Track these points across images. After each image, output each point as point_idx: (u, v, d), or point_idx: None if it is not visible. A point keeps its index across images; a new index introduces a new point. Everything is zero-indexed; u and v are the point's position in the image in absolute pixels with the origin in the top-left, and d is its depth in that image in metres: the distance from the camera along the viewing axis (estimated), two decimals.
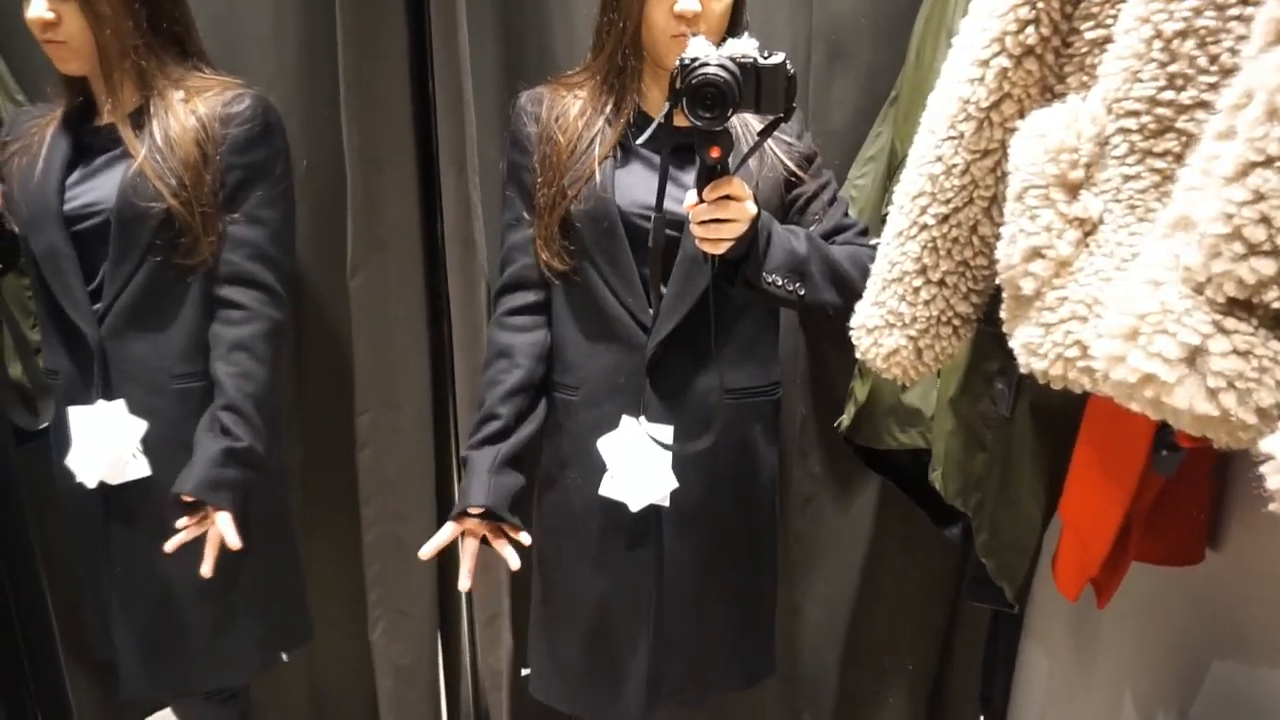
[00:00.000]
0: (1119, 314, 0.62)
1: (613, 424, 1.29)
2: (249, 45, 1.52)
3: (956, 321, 1.00)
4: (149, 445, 1.33)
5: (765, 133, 1.12)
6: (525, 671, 1.75)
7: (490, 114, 1.48)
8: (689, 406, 1.28)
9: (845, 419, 1.54)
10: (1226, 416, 0.57)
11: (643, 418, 1.27)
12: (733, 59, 1.00)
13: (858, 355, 1.08)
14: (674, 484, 1.28)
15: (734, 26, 1.23)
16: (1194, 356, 0.58)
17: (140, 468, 1.33)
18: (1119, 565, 1.01)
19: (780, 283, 1.18)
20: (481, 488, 1.23)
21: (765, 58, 1.01)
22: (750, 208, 1.10)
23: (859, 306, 1.08)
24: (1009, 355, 1.05)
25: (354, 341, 1.58)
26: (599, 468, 1.30)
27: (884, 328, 1.03)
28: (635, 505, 1.28)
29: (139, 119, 1.30)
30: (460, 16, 1.42)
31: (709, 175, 1.07)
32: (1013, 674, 1.54)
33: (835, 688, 1.86)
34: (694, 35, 1.07)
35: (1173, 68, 0.69)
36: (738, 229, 1.10)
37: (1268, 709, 0.98)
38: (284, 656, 1.53)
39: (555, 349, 1.34)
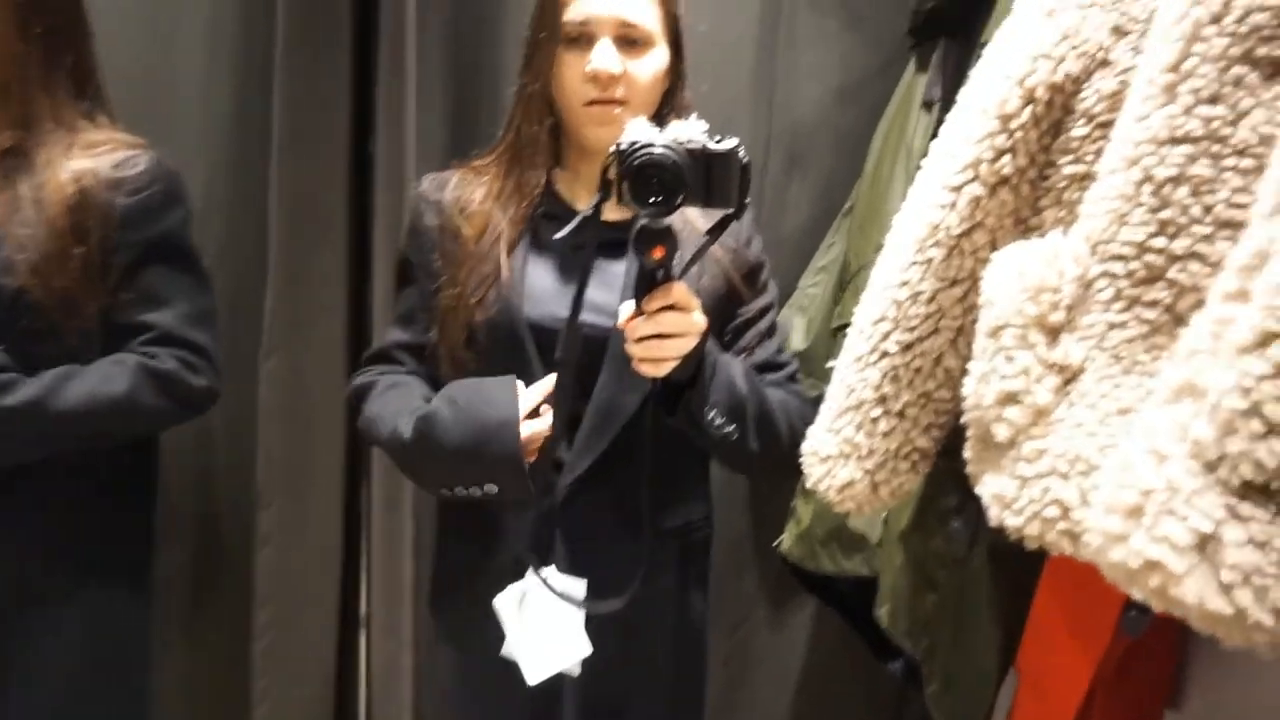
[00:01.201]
0: (1119, 486, 0.55)
1: (516, 576, 1.06)
2: (177, 104, 1.43)
3: (915, 456, 0.93)
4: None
5: (715, 231, 0.95)
6: None
7: None
8: (608, 555, 1.06)
9: (786, 539, 1.46)
10: (1242, 616, 0.50)
11: (552, 569, 1.05)
12: (678, 142, 0.87)
13: (808, 485, 1.00)
14: (586, 649, 1.04)
15: (674, 108, 1.09)
16: (1205, 544, 0.51)
17: None
18: None
19: (718, 422, 1.00)
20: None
21: (716, 143, 0.88)
22: (698, 320, 0.94)
23: (812, 431, 1.00)
24: (967, 493, 0.99)
25: (261, 429, 1.45)
26: (497, 624, 1.07)
27: (838, 458, 0.96)
28: (535, 677, 1.03)
29: (9, 162, 1.08)
30: (409, 86, 1.35)
31: (649, 281, 0.90)
32: None
33: None
34: (619, 108, 0.98)
35: (1164, 214, 0.64)
36: (684, 346, 0.93)
37: None
38: None
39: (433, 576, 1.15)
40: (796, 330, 1.47)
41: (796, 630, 1.66)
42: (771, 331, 1.16)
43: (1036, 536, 0.69)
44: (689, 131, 0.88)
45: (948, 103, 1.26)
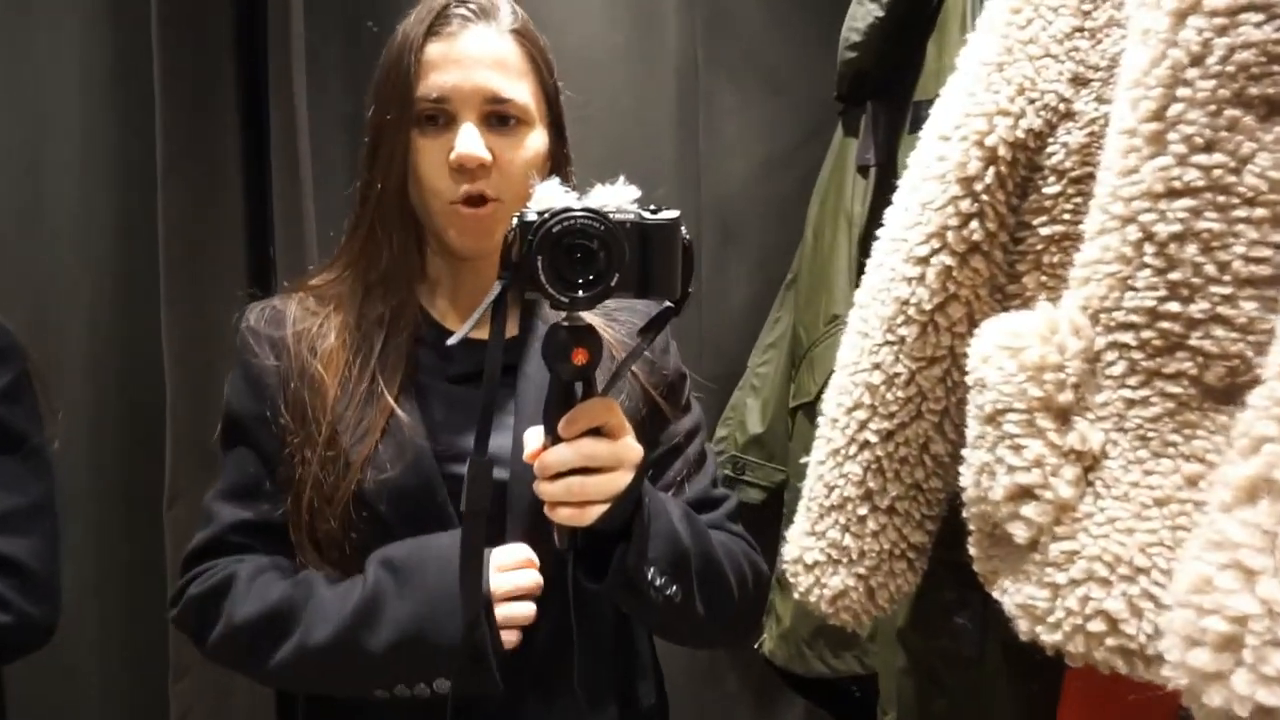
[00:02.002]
0: (1200, 611, 0.46)
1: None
2: (53, 235, 1.33)
3: (912, 554, 0.84)
4: None
5: (652, 328, 0.77)
6: None
7: None
8: None
9: (767, 640, 1.34)
10: None
11: None
12: (602, 211, 0.67)
13: (796, 595, 0.90)
14: None
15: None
16: None
17: None
18: None
19: (659, 582, 0.75)
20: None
21: (652, 213, 0.69)
22: (633, 448, 0.73)
23: (792, 535, 0.90)
24: (967, 585, 0.89)
25: (169, 587, 1.28)
26: None
27: (826, 564, 0.86)
28: None
29: None
30: (306, 203, 1.25)
31: (565, 397, 0.70)
32: None
33: None
34: (490, 205, 0.78)
35: (1174, 275, 0.57)
36: (614, 483, 0.70)
37: None
38: None
39: (309, 699, 0.87)
40: (751, 413, 1.39)
41: None
42: (702, 460, 0.92)
43: (1081, 654, 0.60)
44: (616, 198, 0.70)
45: (884, 166, 1.22)
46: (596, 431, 0.70)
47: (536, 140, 0.84)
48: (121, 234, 1.36)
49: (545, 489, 0.70)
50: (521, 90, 0.82)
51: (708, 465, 0.93)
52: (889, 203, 0.84)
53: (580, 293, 0.66)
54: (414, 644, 0.74)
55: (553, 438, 0.70)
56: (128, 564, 1.36)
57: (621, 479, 0.71)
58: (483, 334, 0.72)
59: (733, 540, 0.89)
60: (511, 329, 0.84)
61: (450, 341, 0.70)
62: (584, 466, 0.69)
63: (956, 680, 0.96)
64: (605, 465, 0.70)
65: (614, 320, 0.89)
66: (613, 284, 0.66)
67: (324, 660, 0.77)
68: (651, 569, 0.75)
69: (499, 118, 0.81)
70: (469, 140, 0.79)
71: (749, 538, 0.91)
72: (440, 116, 0.81)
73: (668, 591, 0.76)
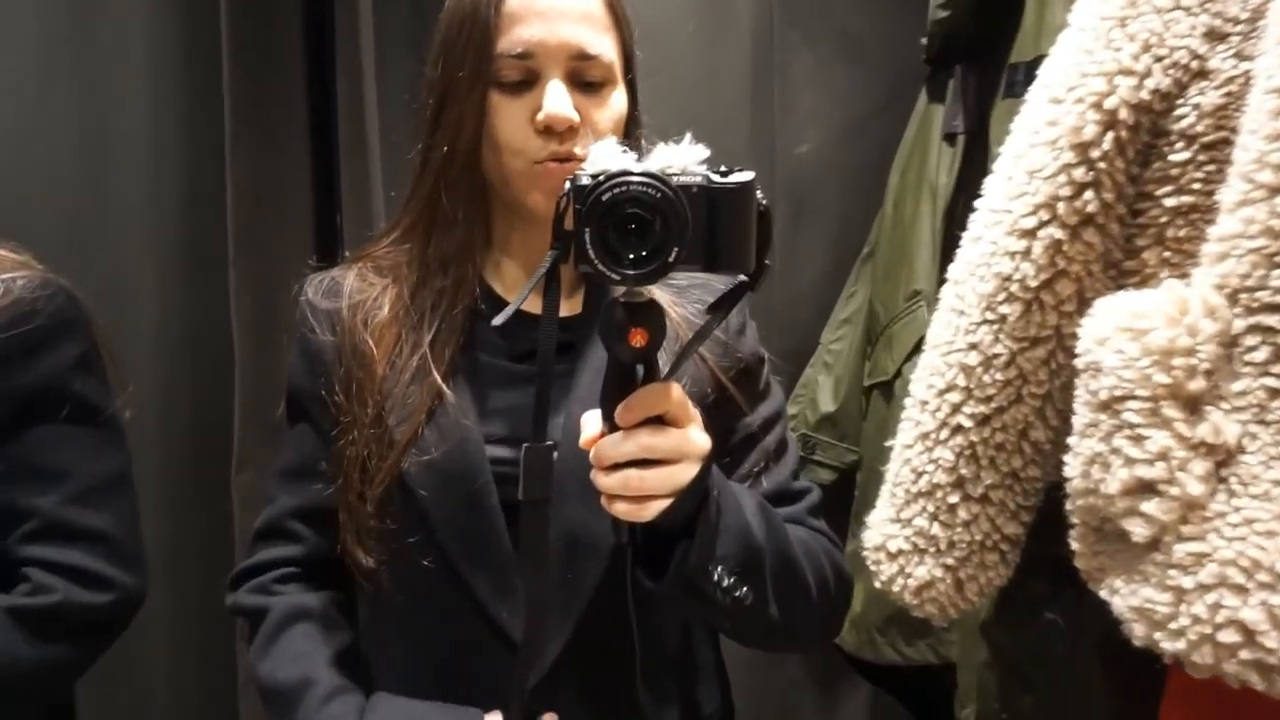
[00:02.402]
0: None
1: None
2: (123, 201, 1.32)
3: (1005, 546, 0.80)
4: None
5: (722, 306, 0.68)
6: None
7: None
8: None
9: None
10: None
11: None
12: (668, 173, 0.59)
13: (877, 584, 0.86)
14: None
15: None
16: None
17: None
18: None
19: (726, 583, 0.68)
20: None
21: (722, 175, 0.61)
22: (697, 439, 0.65)
23: (874, 522, 0.86)
24: (1062, 580, 0.85)
25: (237, 554, 1.30)
26: None
27: (911, 553, 0.82)
28: None
29: None
30: (373, 165, 1.23)
31: (624, 381, 0.62)
32: None
33: None
34: (594, 145, 0.64)
35: None
36: (678, 477, 0.63)
37: None
38: None
39: (377, 688, 0.82)
40: (824, 390, 1.34)
41: (851, 718, 1.49)
42: (782, 450, 0.85)
43: (1208, 666, 0.55)
44: (682, 159, 0.61)
45: (973, 134, 1.15)
46: (659, 420, 0.62)
47: (619, 100, 0.78)
48: (190, 203, 1.36)
49: (601, 481, 0.63)
50: (607, 46, 0.77)
51: (788, 456, 0.85)
52: (977, 172, 0.79)
53: (633, 269, 0.58)
54: None
55: (610, 425, 0.62)
56: (197, 531, 1.37)
57: (685, 473, 0.63)
58: (563, 310, 0.67)
59: (813, 538, 0.81)
60: (576, 304, 0.80)
61: (496, 321, 0.64)
62: (643, 459, 0.62)
63: (1045, 678, 0.92)
64: (667, 457, 0.62)
65: (684, 295, 0.82)
66: (671, 259, 0.58)
67: None
68: (719, 568, 0.68)
69: (584, 78, 0.76)
70: (558, 99, 0.73)
71: (832, 535, 0.85)
72: (522, 73, 0.75)
73: (736, 593, 0.69)
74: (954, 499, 0.79)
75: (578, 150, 0.75)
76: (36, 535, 0.85)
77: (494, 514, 0.74)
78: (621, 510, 0.63)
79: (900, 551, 0.83)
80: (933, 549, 0.80)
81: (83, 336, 0.91)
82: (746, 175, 0.61)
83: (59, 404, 0.88)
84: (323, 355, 0.81)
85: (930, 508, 0.80)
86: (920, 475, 0.81)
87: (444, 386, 0.76)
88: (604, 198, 0.57)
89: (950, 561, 0.80)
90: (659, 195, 0.57)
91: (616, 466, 0.62)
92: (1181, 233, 0.66)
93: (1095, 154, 0.68)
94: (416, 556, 0.76)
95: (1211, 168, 0.64)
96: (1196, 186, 0.65)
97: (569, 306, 0.63)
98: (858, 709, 1.50)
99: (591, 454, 0.63)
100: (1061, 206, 0.69)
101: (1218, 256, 0.58)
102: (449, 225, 0.78)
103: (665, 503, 0.63)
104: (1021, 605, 0.92)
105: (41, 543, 0.85)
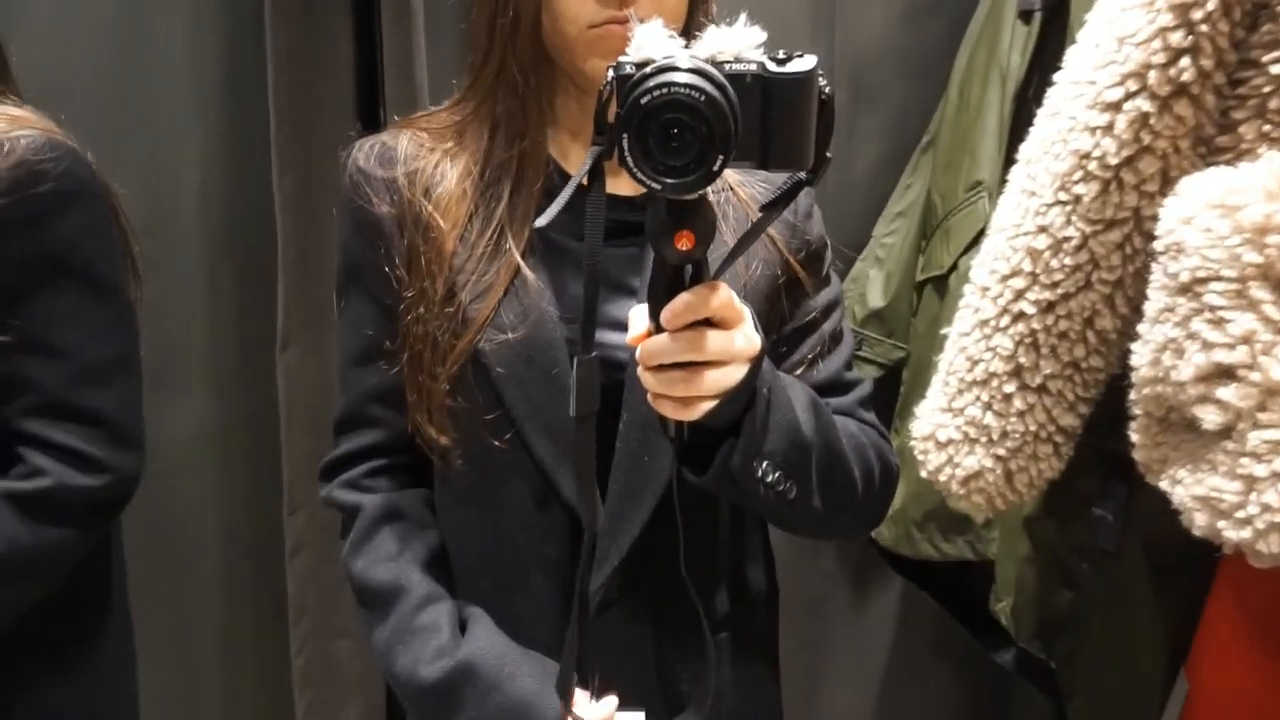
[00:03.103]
0: None
1: (534, 709, 0.75)
2: (162, 77, 1.29)
3: (1059, 438, 0.78)
4: None
5: (776, 206, 0.65)
6: None
7: None
8: (656, 666, 0.80)
9: None
10: None
11: (589, 700, 0.78)
12: (718, 64, 0.55)
13: (923, 474, 0.85)
14: None
15: (690, 21, 0.76)
16: None
17: None
18: None
19: (770, 478, 0.68)
20: (543, 682, 0.75)
21: (780, 63, 0.56)
22: (746, 341, 0.63)
23: (924, 411, 0.85)
24: (1112, 474, 0.83)
25: (284, 426, 1.32)
26: None
27: (962, 442, 0.80)
28: None
29: None
30: (417, 38, 1.19)
31: (672, 282, 0.60)
32: None
33: None
34: (638, 22, 0.59)
35: None
36: (725, 379, 0.62)
37: None
38: None
39: (449, 560, 0.85)
40: (874, 285, 1.31)
41: (882, 612, 1.52)
42: (838, 339, 0.85)
43: (1274, 555, 0.53)
44: (736, 44, 0.56)
45: (1052, 9, 1.07)
46: (707, 321, 0.60)
47: None
48: (230, 81, 1.33)
49: (647, 380, 0.62)
50: None
51: (843, 345, 0.85)
52: (1054, 53, 0.74)
53: (674, 178, 0.54)
54: None
55: (657, 325, 0.60)
56: (244, 410, 1.40)
57: (732, 375, 0.62)
58: (624, 189, 0.64)
59: (863, 430, 0.81)
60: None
61: (539, 223, 0.62)
62: (688, 359, 0.61)
63: (1089, 574, 0.91)
64: (713, 359, 0.61)
65: (752, 174, 0.80)
66: (716, 169, 0.54)
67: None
68: (764, 464, 0.67)
69: None
70: None
71: (881, 428, 0.84)
72: None
73: (780, 488, 0.69)
74: (1010, 388, 0.77)
75: (640, 13, 0.68)
76: (36, 411, 0.85)
77: (568, 396, 0.70)
78: (667, 409, 0.63)
79: (950, 441, 0.81)
80: (984, 439, 0.79)
81: (94, 204, 0.87)
82: (807, 63, 0.56)
83: (66, 275, 0.85)
84: (380, 226, 0.78)
85: (984, 397, 0.79)
86: (976, 363, 0.79)
87: (522, 264, 0.75)
88: (643, 100, 0.52)
89: (1001, 452, 0.79)
90: (703, 98, 0.52)
91: (662, 368, 0.61)
92: None
93: (1197, 15, 0.62)
94: (489, 435, 0.76)
95: None
96: None
97: (635, 185, 0.58)
98: (889, 603, 1.52)
99: (637, 352, 0.62)
100: (1153, 75, 0.65)
101: None
102: (517, 95, 0.76)
103: (711, 404, 0.62)
104: (1069, 500, 0.91)
105: (40, 419, 0.85)
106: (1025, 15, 1.11)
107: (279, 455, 1.35)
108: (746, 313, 0.63)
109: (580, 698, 0.76)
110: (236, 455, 1.42)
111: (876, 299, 1.30)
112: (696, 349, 0.60)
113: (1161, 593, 0.84)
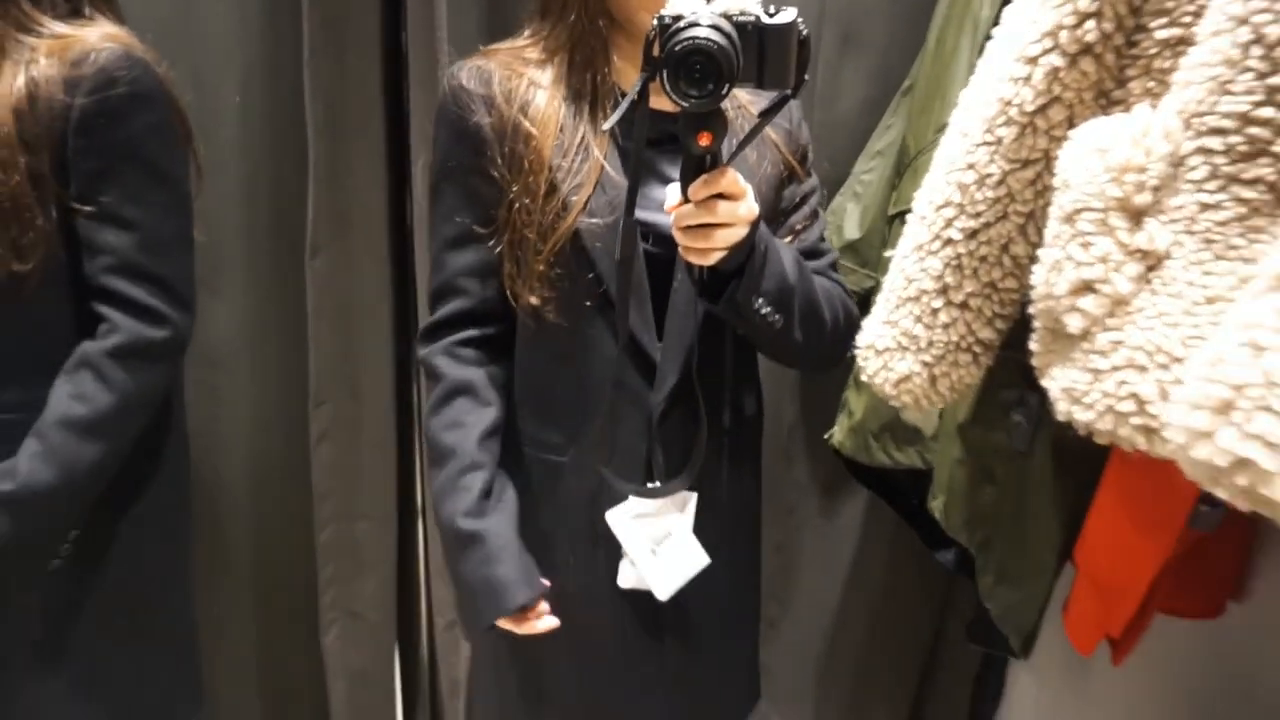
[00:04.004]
0: (1207, 381, 0.52)
1: (612, 491, 1.03)
2: (204, 8, 1.38)
3: (978, 348, 0.90)
4: None
5: (768, 114, 0.90)
6: None
7: None
8: (700, 461, 1.02)
9: (837, 432, 1.44)
10: None
11: (657, 485, 1.03)
12: (728, 17, 0.79)
13: (863, 378, 0.98)
14: (706, 560, 1.06)
15: None
16: None
17: None
18: (1141, 623, 0.92)
19: (764, 310, 0.95)
20: (522, 576, 0.99)
21: (771, 15, 0.80)
22: (748, 209, 0.89)
23: (868, 324, 0.97)
24: (1030, 385, 0.95)
25: (311, 327, 1.46)
26: (598, 545, 1.05)
27: (895, 350, 0.93)
28: (665, 593, 1.04)
29: None
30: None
31: (696, 168, 0.85)
32: (1001, 707, 1.46)
33: (811, 707, 1.78)
34: None
35: (1274, 79, 0.58)
36: (733, 235, 0.88)
37: None
38: None
39: (532, 397, 1.07)
40: (850, 218, 1.41)
41: (848, 519, 1.65)
42: (815, 216, 1.12)
43: (1108, 431, 0.67)
44: (740, 2, 0.80)
45: None
46: (720, 195, 0.85)
47: None
48: (268, 12, 1.40)
49: (678, 236, 0.88)
50: None
51: (819, 222, 1.12)
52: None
53: (696, 99, 0.78)
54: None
55: (685, 198, 0.86)
56: (274, 311, 1.51)
57: (737, 233, 0.88)
58: (665, 106, 0.83)
59: (832, 286, 1.07)
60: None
61: (604, 126, 0.93)
62: (706, 222, 0.86)
63: (1006, 471, 1.04)
64: (724, 221, 0.86)
65: (751, 102, 1.04)
66: (724, 92, 0.78)
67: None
68: (759, 299, 0.94)
69: None
70: None
71: (845, 285, 1.11)
72: None
73: (771, 319, 0.96)
74: (937, 304, 0.89)
75: None
76: (112, 270, 1.04)
77: (643, 263, 0.98)
78: (693, 258, 0.90)
79: (886, 349, 0.94)
80: (914, 347, 0.91)
81: (159, 107, 1.05)
82: (789, 15, 0.81)
83: (136, 162, 1.04)
84: (481, 134, 0.99)
85: (916, 311, 0.91)
86: (911, 282, 0.91)
87: (605, 164, 0.98)
88: (677, 48, 0.76)
89: (928, 359, 0.91)
90: (716, 46, 0.76)
91: (689, 228, 0.87)
92: (1166, 64, 0.71)
93: None
94: (582, 295, 0.99)
95: (1204, 2, 0.69)
96: (1187, 19, 0.69)
97: (673, 104, 0.80)
98: (854, 511, 1.65)
99: (672, 218, 0.88)
100: (1064, 35, 0.75)
101: (1184, 84, 0.65)
102: (586, 38, 0.98)
103: (722, 253, 0.89)
104: (993, 408, 1.04)
105: (115, 276, 1.05)
106: None
107: (306, 354, 1.50)
108: (748, 189, 0.88)
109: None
110: (268, 353, 1.54)
111: (853, 231, 1.40)
112: (712, 213, 0.86)
113: (1060, 487, 0.98)
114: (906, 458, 1.33)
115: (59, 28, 1.02)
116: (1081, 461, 0.95)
